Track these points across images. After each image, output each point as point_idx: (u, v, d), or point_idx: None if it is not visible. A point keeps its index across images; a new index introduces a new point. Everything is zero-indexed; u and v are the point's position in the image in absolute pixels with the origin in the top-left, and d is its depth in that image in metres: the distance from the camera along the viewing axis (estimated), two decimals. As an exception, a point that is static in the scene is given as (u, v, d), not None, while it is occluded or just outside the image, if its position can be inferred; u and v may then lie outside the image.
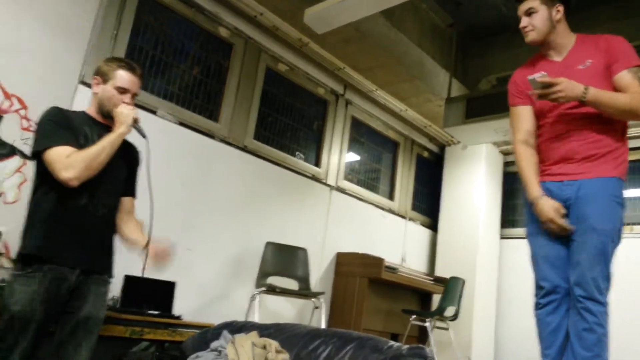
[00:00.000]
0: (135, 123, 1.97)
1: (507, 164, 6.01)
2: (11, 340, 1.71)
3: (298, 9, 3.77)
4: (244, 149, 4.06)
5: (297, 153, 4.56)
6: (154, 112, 3.48)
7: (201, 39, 3.93)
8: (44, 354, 1.85)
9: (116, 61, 2.02)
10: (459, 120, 4.73)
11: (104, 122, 2.00)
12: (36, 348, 1.78)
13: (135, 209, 2.13)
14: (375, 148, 5.52)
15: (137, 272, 3.05)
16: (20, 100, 2.83)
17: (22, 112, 2.84)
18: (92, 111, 2.01)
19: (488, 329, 5.38)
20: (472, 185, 5.66)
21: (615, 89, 2.01)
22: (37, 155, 1.83)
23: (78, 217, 1.86)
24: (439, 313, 4.39)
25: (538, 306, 2.14)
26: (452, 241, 5.59)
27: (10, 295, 1.74)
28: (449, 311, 4.48)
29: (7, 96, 2.79)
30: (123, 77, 1.97)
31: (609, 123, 2.04)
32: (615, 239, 2.01)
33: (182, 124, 3.64)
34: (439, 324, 4.63)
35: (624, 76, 2.00)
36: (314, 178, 4.63)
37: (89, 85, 3.10)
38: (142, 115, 3.34)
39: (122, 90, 1.96)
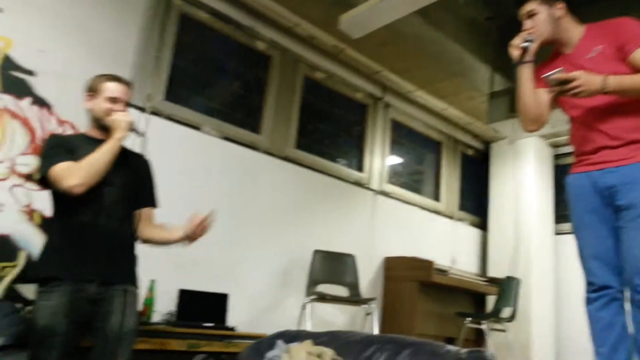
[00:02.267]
0: (130, 127, 2.03)
1: (557, 157, 5.80)
2: (43, 355, 1.78)
3: (333, 17, 3.79)
4: (287, 159, 4.09)
5: (338, 159, 4.56)
6: (198, 129, 3.57)
7: (239, 54, 4.01)
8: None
9: (103, 75, 2.10)
10: (503, 114, 4.62)
11: (103, 138, 2.02)
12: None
13: (154, 218, 2.16)
14: (418, 149, 5.45)
15: (190, 286, 3.13)
16: (72, 126, 2.96)
17: (76, 137, 2.96)
18: (90, 130, 2.09)
19: (548, 329, 5.18)
20: (522, 180, 5.49)
21: (634, 69, 1.92)
22: (43, 180, 1.91)
23: (85, 233, 1.92)
24: (495, 314, 4.27)
25: (588, 301, 2.05)
26: (504, 240, 5.42)
27: (35, 311, 1.84)
28: (506, 312, 4.35)
29: (61, 122, 2.92)
30: (111, 87, 2.04)
31: None
32: None
33: (225, 139, 3.72)
34: (495, 326, 4.49)
35: (638, 54, 1.92)
36: (357, 183, 4.61)
37: (135, 108, 3.24)
38: (187, 132, 3.46)
39: (113, 100, 2.03)
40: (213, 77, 3.83)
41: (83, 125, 2.94)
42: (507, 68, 5.29)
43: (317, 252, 3.92)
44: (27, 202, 2.74)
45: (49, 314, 1.81)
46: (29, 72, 2.84)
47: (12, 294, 2.62)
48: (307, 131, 4.36)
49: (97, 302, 1.89)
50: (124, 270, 2.01)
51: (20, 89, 2.79)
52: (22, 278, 2.66)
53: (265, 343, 2.62)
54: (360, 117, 4.85)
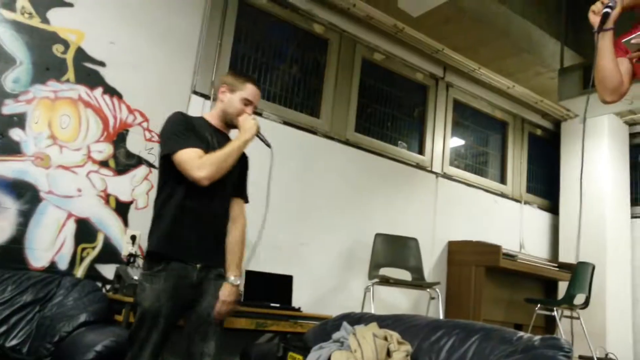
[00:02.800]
0: (258, 132, 2.07)
1: (633, 136, 5.42)
2: (144, 334, 1.85)
3: (391, -5, 3.70)
4: (347, 143, 4.07)
5: (399, 142, 4.49)
6: (259, 114, 3.61)
7: (298, 38, 4.01)
8: (176, 348, 2.00)
9: (243, 75, 2.16)
10: (575, 91, 4.34)
11: (221, 130, 2.10)
12: (165, 341, 1.91)
13: (244, 213, 2.17)
14: (482, 130, 5.26)
15: (256, 267, 3.20)
16: (142, 114, 3.08)
17: (145, 124, 3.09)
18: (212, 118, 2.11)
19: (624, 315, 4.90)
20: (595, 161, 5.18)
21: None
22: (167, 157, 1.92)
23: (199, 217, 1.96)
24: (568, 301, 4.07)
25: None
26: (576, 224, 5.16)
27: (140, 292, 1.89)
28: (579, 299, 4.14)
29: (131, 111, 3.05)
30: (251, 90, 2.08)
31: None
32: None
33: (286, 123, 3.74)
34: (567, 312, 4.30)
35: None
36: (419, 166, 4.52)
37: (201, 95, 3.32)
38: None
39: (247, 102, 2.07)
40: (272, 62, 3.86)
41: (153, 114, 3.08)
42: (578, 41, 4.98)
43: (378, 235, 3.89)
44: (102, 187, 2.89)
45: (154, 296, 1.86)
46: (100, 63, 2.97)
47: (92, 273, 2.79)
48: (366, 114, 4.31)
49: (197, 286, 1.94)
50: (221, 255, 2.05)
51: (93, 80, 2.93)
52: (101, 258, 2.83)
53: (330, 324, 2.64)
54: (421, 98, 4.73)
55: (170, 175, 1.94)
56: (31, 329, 2.35)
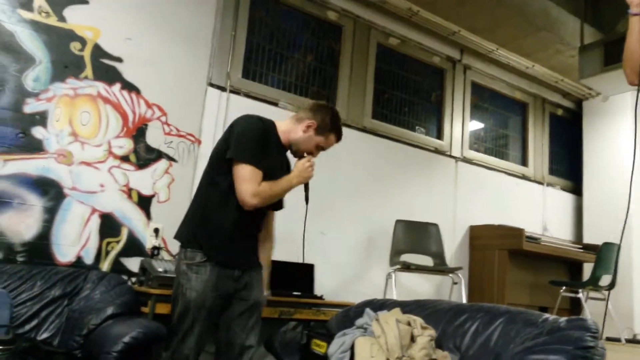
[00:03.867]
0: (307, 181, 2.11)
1: (659, 112, 5.26)
2: (187, 325, 1.88)
3: (405, -22, 3.64)
4: (364, 130, 4.05)
5: (417, 127, 4.45)
6: (275, 104, 3.61)
7: (311, 26, 3.98)
8: (214, 338, 2.04)
9: (336, 123, 2.12)
10: (596, 69, 4.24)
11: (284, 145, 2.12)
12: (207, 333, 1.95)
13: (273, 225, 2.25)
14: (501, 112, 5.17)
15: (277, 257, 3.22)
16: (160, 108, 3.11)
17: (163, 118, 3.12)
18: (282, 133, 2.09)
19: (652, 297, 4.80)
20: (619, 140, 5.06)
21: None
22: (232, 161, 1.91)
23: (249, 228, 2.04)
24: (593, 282, 4.02)
25: None
26: (601, 204, 5.06)
27: (186, 282, 1.89)
28: (605, 280, 4.08)
29: (149, 105, 3.08)
30: (331, 142, 2.13)
31: None
32: None
33: (302, 112, 3.73)
34: (592, 294, 4.24)
35: None
36: (438, 151, 4.48)
37: (217, 87, 3.34)
38: (266, 108, 3.51)
39: (319, 148, 2.11)
40: (286, 51, 3.84)
41: (170, 108, 3.11)
42: (598, 17, 4.85)
43: (399, 222, 3.88)
44: (124, 182, 2.94)
45: (200, 287, 1.88)
46: (117, 59, 3.00)
47: (118, 267, 2.84)
48: (383, 100, 4.28)
49: (239, 279, 2.00)
50: (257, 258, 2.13)
51: (110, 76, 2.96)
52: (126, 252, 2.88)
53: (353, 311, 2.65)
54: (438, 82, 4.67)
55: (228, 177, 1.93)
56: (61, 322, 2.40)
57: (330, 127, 2.08)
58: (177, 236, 2.02)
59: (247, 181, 1.87)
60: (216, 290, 1.91)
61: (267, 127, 2.03)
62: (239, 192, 1.88)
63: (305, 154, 2.10)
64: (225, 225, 1.95)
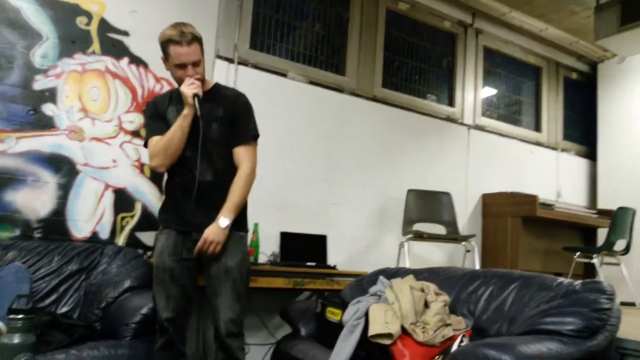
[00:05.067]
0: (196, 98, 1.99)
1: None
2: (156, 286, 2.03)
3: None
4: (374, 99, 4.00)
5: (428, 95, 4.38)
6: (284, 75, 3.57)
7: (318, -7, 3.90)
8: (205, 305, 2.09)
9: (166, 35, 1.99)
10: (613, 29, 4.12)
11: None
12: (186, 301, 2.05)
13: (247, 157, 2.10)
14: (514, 77, 5.07)
15: (290, 229, 3.24)
16: (168, 82, 3.08)
17: (172, 92, 3.09)
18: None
19: (668, 261, 4.77)
20: (635, 102, 4.95)
21: None
22: (146, 145, 2.15)
23: (184, 189, 2.05)
24: (608, 247, 3.99)
25: None
26: (616, 169, 4.99)
27: (154, 250, 2.09)
28: (619, 245, 4.05)
29: (157, 80, 3.06)
30: (175, 53, 1.98)
31: None
32: None
33: (311, 83, 3.69)
34: (607, 259, 4.22)
35: None
36: (449, 119, 4.42)
37: (225, 59, 3.30)
38: (275, 79, 3.47)
39: (181, 66, 2.01)
40: (294, 21, 3.77)
41: (177, 80, 3.08)
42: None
43: (410, 191, 3.86)
44: (136, 157, 2.95)
45: (158, 252, 2.04)
46: (124, 33, 2.97)
47: (133, 241, 2.88)
48: (393, 68, 4.21)
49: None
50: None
51: (118, 50, 2.94)
52: (140, 226, 2.91)
53: (367, 280, 2.68)
54: (449, 47, 4.58)
55: None
56: (79, 296, 2.45)
57: (164, 43, 2.01)
58: None
59: (149, 151, 2.07)
60: (175, 255, 2.00)
61: (157, 99, 2.20)
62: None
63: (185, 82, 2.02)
64: (167, 195, 2.14)
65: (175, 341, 2.00)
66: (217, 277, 1.99)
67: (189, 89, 1.97)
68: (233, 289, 1.99)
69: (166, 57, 2.06)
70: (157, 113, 2.13)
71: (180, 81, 2.04)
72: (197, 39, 2.02)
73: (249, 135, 2.13)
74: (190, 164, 2.03)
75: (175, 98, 2.13)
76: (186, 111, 2.00)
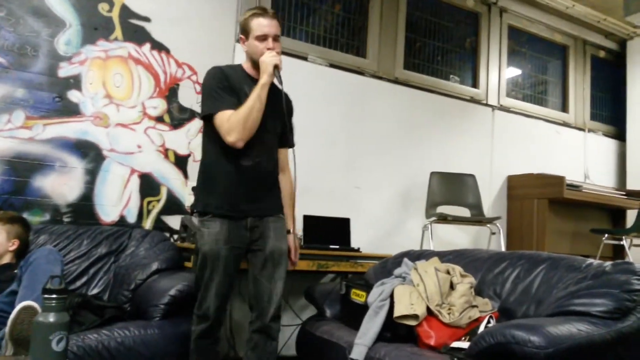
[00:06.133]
0: (276, 69, 1.95)
1: None
2: (207, 276, 1.94)
3: None
4: (396, 81, 3.95)
5: (451, 76, 4.31)
6: (305, 58, 3.54)
7: (338, -26, 3.85)
8: (243, 292, 2.08)
9: (249, 12, 2.02)
10: (644, 4, 3.98)
11: (255, 76, 2.01)
12: (230, 285, 2.00)
13: (288, 164, 2.18)
14: (540, 57, 4.95)
15: (313, 212, 3.25)
16: (190, 67, 3.10)
17: (194, 77, 3.11)
18: (248, 67, 2.06)
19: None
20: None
21: None
22: (206, 118, 1.96)
23: (247, 174, 1.97)
24: (637, 229, 3.90)
25: None
26: (646, 149, 4.85)
27: (200, 238, 1.97)
28: (649, 226, 3.96)
29: (179, 65, 3.07)
30: (258, 24, 1.96)
31: None
32: None
33: (332, 66, 3.66)
34: (636, 241, 4.13)
35: None
36: (473, 100, 4.34)
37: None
38: (295, 63, 3.45)
39: (262, 38, 1.96)
40: (314, 3, 3.74)
41: (200, 66, 3.09)
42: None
43: (434, 173, 3.82)
44: (160, 142, 2.98)
45: (212, 240, 1.93)
46: (145, 19, 2.98)
47: (159, 224, 2.92)
48: (415, 49, 4.15)
49: (254, 229, 1.99)
50: (274, 203, 2.10)
51: (140, 36, 2.96)
52: (166, 210, 2.95)
53: (391, 262, 2.67)
54: (473, 27, 4.48)
55: (215, 135, 1.93)
56: (109, 278, 2.51)
57: (245, 21, 1.99)
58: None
59: (221, 126, 1.89)
60: (229, 242, 1.93)
61: (226, 70, 2.02)
62: (223, 140, 1.90)
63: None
64: (220, 178, 1.97)
65: (214, 328, 1.97)
66: (273, 261, 1.99)
67: (271, 58, 1.93)
68: (285, 272, 2.03)
69: (247, 34, 2.00)
70: (229, 86, 1.97)
71: (259, 55, 1.97)
72: (277, 18, 2.03)
73: (293, 141, 2.18)
74: (247, 150, 1.95)
75: (245, 77, 2.03)
76: (265, 79, 1.91)
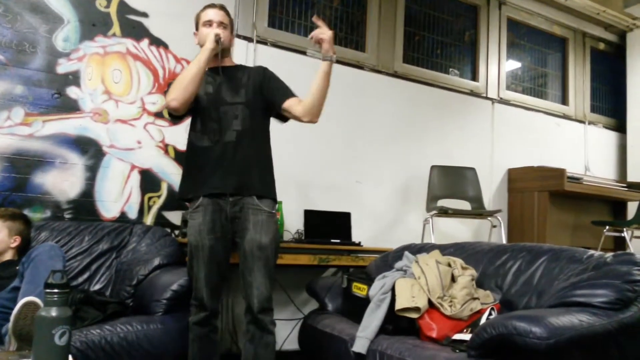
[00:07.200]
0: (217, 38, 2.03)
1: None
2: (196, 266, 2.00)
3: None
4: (395, 75, 3.94)
5: (451, 70, 4.30)
6: (304, 53, 3.53)
7: (337, -32, 3.83)
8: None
9: (201, 9, 2.18)
10: (644, -5, 3.96)
11: (214, 66, 2.08)
12: (222, 277, 2.04)
13: (300, 100, 2.13)
14: (539, 49, 4.93)
15: (313, 207, 3.25)
16: (188, 62, 3.08)
17: (193, 73, 3.09)
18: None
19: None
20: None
21: None
22: (170, 115, 2.13)
23: (209, 154, 2.01)
24: (638, 221, 3.91)
25: None
26: (646, 140, 4.84)
27: (188, 229, 2.04)
28: (650, 218, 3.96)
29: (178, 60, 3.07)
30: (205, 14, 2.13)
31: None
32: None
33: (331, 60, 3.64)
34: (637, 233, 4.13)
35: None
36: (473, 93, 4.33)
37: (244, 38, 3.29)
38: (294, 57, 3.44)
39: (208, 24, 2.10)
40: (313, -3, 3.72)
41: (198, 61, 3.08)
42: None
43: (434, 167, 3.82)
44: (160, 138, 2.97)
45: (195, 230, 1.99)
46: (143, 14, 2.97)
47: (160, 220, 2.92)
48: (414, 43, 4.13)
49: (234, 220, 2.01)
50: (254, 183, 2.04)
51: (138, 32, 2.95)
52: (167, 205, 2.95)
53: (392, 255, 2.67)
54: (472, 20, 4.47)
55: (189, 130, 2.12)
56: (111, 274, 2.51)
57: (197, 16, 2.17)
58: None
59: (166, 97, 2.05)
60: (212, 233, 1.98)
61: None
62: (169, 110, 2.06)
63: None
64: (190, 163, 2.09)
65: (210, 317, 2.02)
66: (252, 254, 1.98)
67: (213, 30, 2.06)
68: (266, 265, 1.99)
69: (197, 25, 2.16)
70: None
71: (205, 39, 2.06)
72: (225, 10, 2.17)
73: (290, 91, 2.16)
74: (207, 131, 2.04)
75: (210, 70, 2.11)
76: (207, 45, 2.01)
